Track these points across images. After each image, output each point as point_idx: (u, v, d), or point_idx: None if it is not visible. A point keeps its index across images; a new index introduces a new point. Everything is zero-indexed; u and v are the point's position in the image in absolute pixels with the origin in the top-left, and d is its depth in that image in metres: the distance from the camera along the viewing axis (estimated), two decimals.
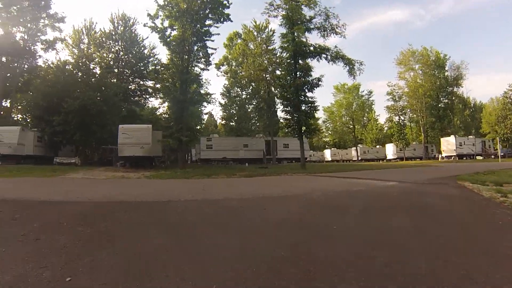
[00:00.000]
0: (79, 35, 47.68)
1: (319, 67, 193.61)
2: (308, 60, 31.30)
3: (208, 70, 32.59)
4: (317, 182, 15.70)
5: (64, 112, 31.37)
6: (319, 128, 59.25)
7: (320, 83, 30.46)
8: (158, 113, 45.23)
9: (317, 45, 30.97)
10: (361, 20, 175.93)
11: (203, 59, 32.26)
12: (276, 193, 10.98)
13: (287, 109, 31.41)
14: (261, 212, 7.62)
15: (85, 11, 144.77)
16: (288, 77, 32.01)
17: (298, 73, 30.79)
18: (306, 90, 30.74)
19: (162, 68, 34.05)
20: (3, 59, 43.22)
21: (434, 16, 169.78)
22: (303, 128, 30.27)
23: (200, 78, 32.88)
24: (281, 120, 37.74)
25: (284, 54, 33.24)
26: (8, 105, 47.10)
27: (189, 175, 19.95)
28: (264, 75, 43.33)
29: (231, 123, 53.28)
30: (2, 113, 44.45)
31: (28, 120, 41.61)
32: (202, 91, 37.54)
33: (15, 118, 46.43)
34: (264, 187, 13.31)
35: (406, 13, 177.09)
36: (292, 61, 31.21)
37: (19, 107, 46.41)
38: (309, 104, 30.88)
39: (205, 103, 40.10)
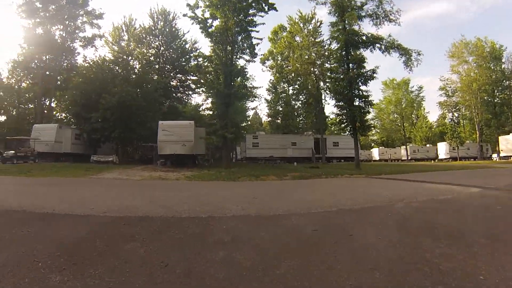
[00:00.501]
0: (118, 32, 46.55)
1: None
2: (361, 51, 28.34)
3: (254, 61, 29.96)
4: (384, 186, 12.47)
5: (102, 108, 29.68)
6: (373, 125, 55.05)
7: (375, 75, 27.43)
8: (201, 110, 43.30)
9: (369, 35, 27.97)
10: (404, 14, 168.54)
11: (248, 50, 29.78)
12: (348, 203, 7.84)
13: (340, 104, 28.46)
14: (347, 240, 4.64)
15: (124, 7, 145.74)
16: (340, 70, 29.06)
17: (350, 65, 27.84)
18: (360, 83, 27.68)
19: (204, 60, 31.81)
20: (43, 57, 42.73)
21: (480, 6, 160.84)
22: (357, 124, 27.19)
23: (246, 70, 30.28)
24: (332, 117, 34.84)
25: (334, 45, 30.43)
26: (54, 104, 47.01)
27: (235, 175, 17.53)
28: (312, 68, 40.44)
29: (277, 120, 50.49)
30: (45, 111, 44.07)
31: (68, 118, 40.76)
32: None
33: (59, 116, 46.28)
34: (327, 193, 10.62)
35: (450, 5, 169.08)
36: (344, 52, 28.33)
37: (59, 105, 46.00)
38: (363, 99, 27.75)
39: (250, 99, 37.55)
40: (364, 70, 27.45)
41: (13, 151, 27.93)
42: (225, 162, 28.36)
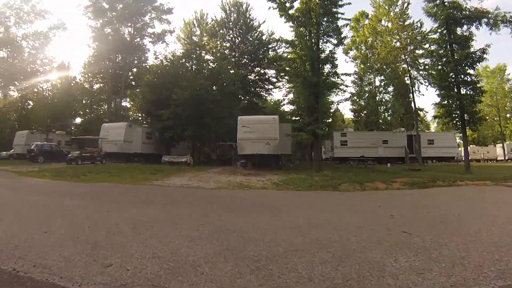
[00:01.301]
0: (190, 28, 44.33)
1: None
2: (464, 29, 22.90)
3: (343, 44, 25.70)
4: None
5: (173, 104, 26.83)
6: (486, 117, 45.55)
7: (485, 55, 21.68)
8: (282, 106, 39.52)
9: (472, 9, 22.47)
10: None
11: (334, 34, 25.45)
12: None
13: (444, 92, 23.17)
14: None
15: (194, 2, 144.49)
16: (441, 52, 23.82)
17: (454, 45, 22.55)
18: (467, 67, 22.24)
19: (287, 46, 27.86)
20: (112, 57, 41.38)
21: None
22: (466, 117, 21.86)
23: (334, 56, 25.76)
24: (434, 108, 29.29)
25: (426, 28, 25.10)
26: (129, 104, 46.01)
27: (333, 182, 13.35)
28: (402, 56, 35.24)
29: (361, 115, 45.36)
30: (118, 111, 42.83)
31: (141, 117, 38.97)
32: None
33: (133, 116, 45.05)
34: (488, 218, 6.48)
35: None
36: (445, 31, 23.00)
37: (131, 103, 44.74)
38: (471, 85, 22.29)
39: (341, 90, 33.01)
40: (471, 50, 22.07)
41: (78, 151, 26.00)
42: (315, 164, 24.03)
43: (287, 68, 28.82)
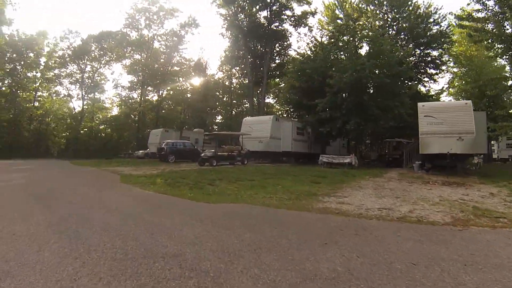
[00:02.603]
0: (332, 9, 39.62)
1: None
2: None
3: None
4: None
5: (330, 92, 22.24)
6: None
7: None
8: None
9: None
10: None
11: None
12: None
13: None
14: None
15: None
16: None
17: None
18: None
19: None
20: (250, 44, 38.55)
21: None
22: None
23: None
24: None
25: None
26: (272, 100, 43.46)
27: None
28: None
29: None
30: (254, 106, 40.37)
31: (288, 110, 35.58)
32: None
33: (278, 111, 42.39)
34: None
35: None
36: None
37: (274, 94, 41.83)
38: None
39: None
40: None
41: (212, 150, 21.93)
42: None
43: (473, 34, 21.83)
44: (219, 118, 52.91)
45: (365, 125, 21.72)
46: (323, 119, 22.93)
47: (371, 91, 22.98)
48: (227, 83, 50.92)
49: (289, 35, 40.49)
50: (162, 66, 42.78)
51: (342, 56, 26.04)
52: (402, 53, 26.02)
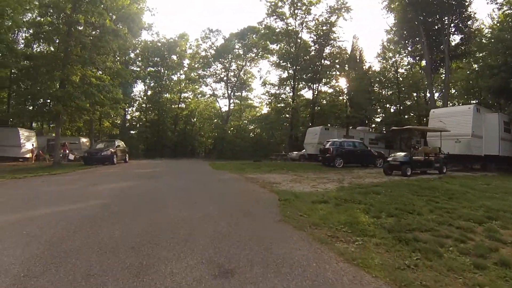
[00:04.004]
0: None
1: None
2: None
3: None
4: None
5: None
6: None
7: None
8: None
9: None
10: None
11: None
12: None
13: None
14: None
15: None
16: None
17: None
18: None
19: None
20: (422, 18, 30.39)
21: None
22: None
23: None
24: None
25: None
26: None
27: None
28: None
29: None
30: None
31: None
32: None
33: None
34: None
35: None
36: None
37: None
38: None
39: None
40: None
41: (403, 154, 16.42)
42: None
43: None
44: (380, 115, 46.23)
45: None
46: None
47: None
48: (391, 74, 43.59)
49: (469, 1, 30.49)
50: (313, 58, 38.65)
51: None
52: None
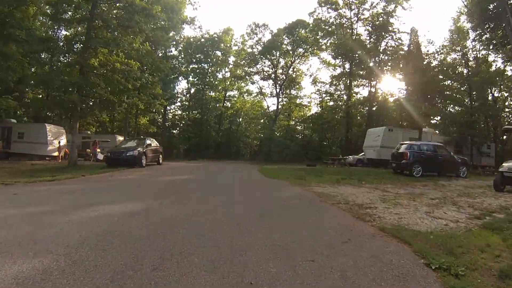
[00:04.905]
0: None
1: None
2: None
3: None
4: None
5: None
6: None
7: None
8: None
9: None
10: None
11: None
12: None
13: None
14: None
15: None
16: None
17: None
18: None
19: None
20: None
21: None
22: None
23: None
24: None
25: None
26: None
27: None
28: None
29: None
30: None
31: None
32: None
33: None
34: None
35: None
36: None
37: None
38: None
39: None
40: None
41: None
42: None
43: None
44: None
45: None
46: None
47: None
48: (459, 67, 38.23)
49: None
50: (369, 51, 34.96)
51: None
52: None
